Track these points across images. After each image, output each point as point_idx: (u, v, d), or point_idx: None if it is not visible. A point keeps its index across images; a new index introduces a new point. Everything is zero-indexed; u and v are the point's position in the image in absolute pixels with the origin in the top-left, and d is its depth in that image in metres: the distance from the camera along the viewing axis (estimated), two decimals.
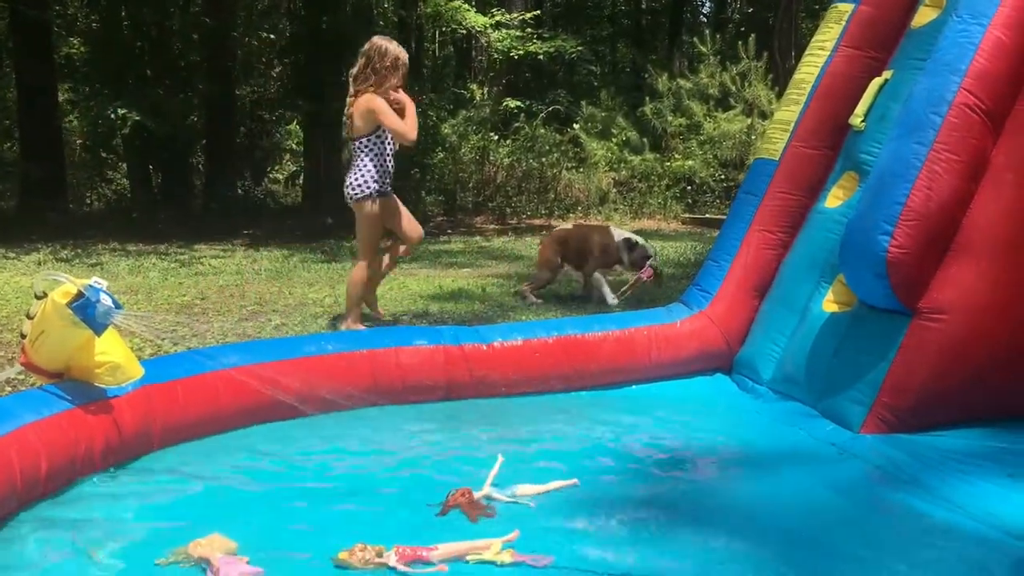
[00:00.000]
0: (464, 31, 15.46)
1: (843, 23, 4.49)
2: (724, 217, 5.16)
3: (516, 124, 15.27)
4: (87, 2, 15.03)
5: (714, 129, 14.27)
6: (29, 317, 3.05)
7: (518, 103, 15.56)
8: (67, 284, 2.90)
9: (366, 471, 3.24)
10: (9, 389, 3.93)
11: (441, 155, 14.23)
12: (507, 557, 2.48)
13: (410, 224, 5.37)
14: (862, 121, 4.18)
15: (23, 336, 3.10)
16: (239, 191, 14.57)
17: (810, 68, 4.60)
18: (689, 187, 14.79)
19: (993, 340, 3.59)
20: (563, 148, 15.26)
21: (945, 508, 2.94)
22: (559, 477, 3.10)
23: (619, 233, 6.34)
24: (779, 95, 12.03)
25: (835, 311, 3.97)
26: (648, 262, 6.12)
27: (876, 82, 4.21)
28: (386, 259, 5.54)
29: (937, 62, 3.65)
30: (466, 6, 14.55)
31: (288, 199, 16.45)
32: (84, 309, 2.88)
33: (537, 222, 13.87)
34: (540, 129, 15.06)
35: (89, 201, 15.41)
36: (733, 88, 14.37)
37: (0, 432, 2.71)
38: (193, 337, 5.12)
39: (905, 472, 3.26)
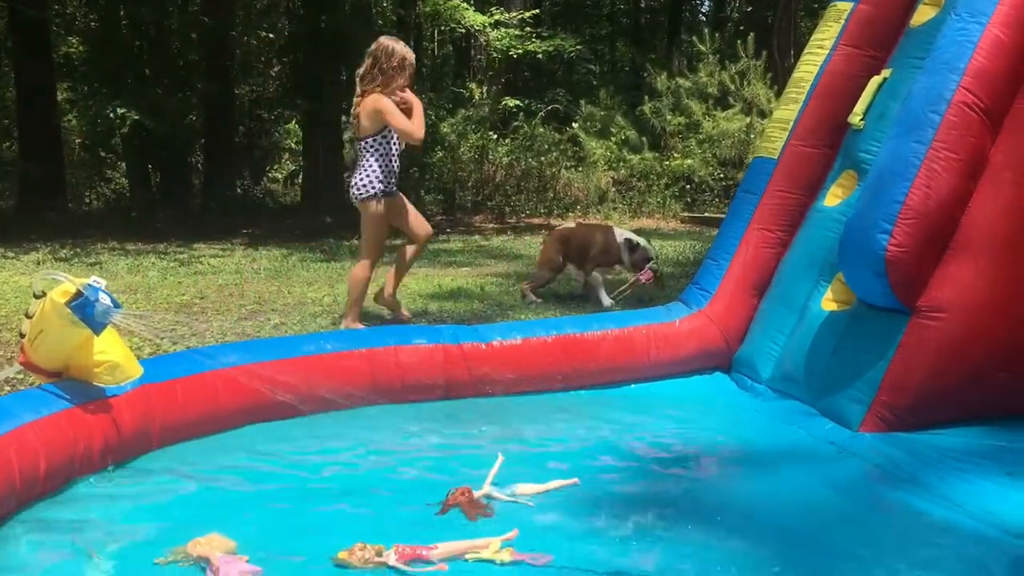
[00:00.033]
0: (463, 30, 15.46)
1: (842, 22, 4.50)
2: (723, 216, 5.16)
3: (515, 123, 15.27)
4: (86, 1, 15.01)
5: (713, 128, 14.27)
6: (28, 316, 3.04)
7: (517, 102, 15.56)
8: (66, 283, 2.90)
9: (365, 470, 3.24)
10: (8, 388, 3.93)
11: (440, 154, 14.23)
12: (506, 556, 2.48)
13: (418, 222, 5.37)
14: (861, 120, 4.18)
15: (22, 335, 3.10)
16: (238, 190, 14.56)
17: (809, 67, 4.60)
18: (688, 186, 14.79)
19: (992, 338, 3.60)
20: (562, 147, 15.26)
21: (944, 506, 2.94)
22: (558, 476, 3.10)
23: (621, 233, 6.33)
24: (778, 94, 12.06)
25: (834, 310, 3.98)
26: (648, 264, 6.11)
27: (875, 80, 4.21)
28: (409, 251, 5.48)
29: (936, 60, 3.65)
30: (465, 5, 14.54)
31: (287, 198, 16.45)
32: (83, 308, 2.88)
33: (536, 221, 13.87)
34: (539, 128, 15.06)
35: (88, 200, 15.41)
36: (732, 87, 14.37)
37: None
38: (192, 336, 5.12)
39: (904, 470, 3.26)
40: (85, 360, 3.07)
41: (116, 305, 2.96)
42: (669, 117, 14.79)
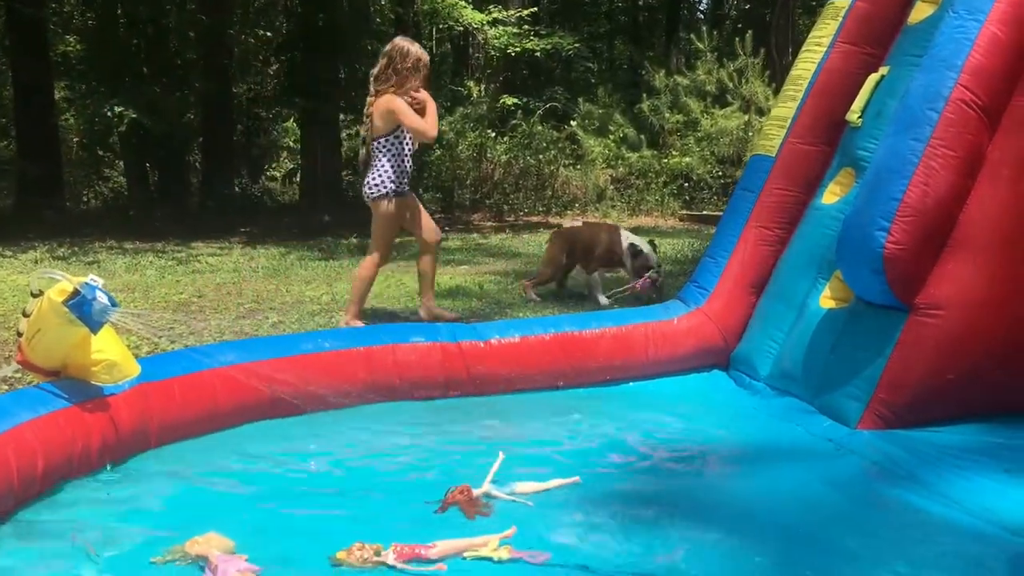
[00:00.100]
0: (461, 28, 15.48)
1: (840, 19, 4.49)
2: (721, 214, 5.15)
3: (513, 121, 15.28)
4: (83, 0, 15.00)
5: (711, 126, 14.28)
6: (25, 315, 3.04)
7: (515, 100, 15.57)
8: (63, 282, 2.89)
9: (363, 469, 3.24)
10: (6, 387, 3.92)
11: (438, 152, 14.23)
12: (504, 553, 2.48)
13: (428, 226, 5.39)
14: (859, 117, 4.18)
15: (19, 334, 3.10)
16: (236, 189, 14.56)
17: (807, 64, 4.60)
18: (686, 184, 14.80)
19: (990, 336, 3.60)
20: (560, 145, 15.27)
21: (942, 504, 2.94)
22: (557, 474, 3.09)
23: (627, 237, 6.28)
24: (776, 91, 12.06)
25: (832, 307, 3.97)
26: (648, 273, 6.09)
27: (873, 78, 4.20)
28: (425, 261, 5.43)
29: (933, 58, 3.65)
30: (463, 3, 14.55)
31: (285, 197, 16.45)
32: (80, 307, 2.87)
33: (534, 219, 13.88)
34: (537, 126, 15.07)
35: (86, 199, 15.41)
36: (730, 84, 14.38)
37: None
38: (190, 335, 5.12)
39: (902, 468, 3.26)
40: (83, 359, 3.07)
41: (113, 304, 2.96)
42: (667, 115, 14.80)
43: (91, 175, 15.98)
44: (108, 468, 3.09)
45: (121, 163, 15.69)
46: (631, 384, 4.39)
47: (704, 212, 13.79)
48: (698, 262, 4.93)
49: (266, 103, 16.66)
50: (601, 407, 4.02)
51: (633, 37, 25.05)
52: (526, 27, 15.77)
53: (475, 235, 11.82)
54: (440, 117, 5.40)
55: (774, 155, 4.57)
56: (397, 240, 5.63)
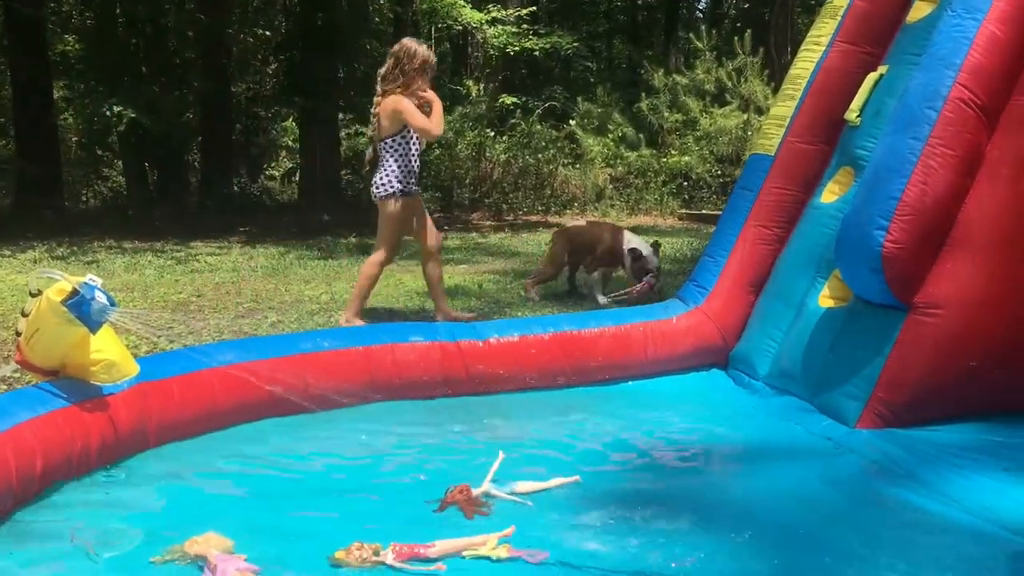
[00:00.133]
0: (460, 27, 15.45)
1: (838, 18, 4.50)
2: (720, 212, 5.16)
3: (512, 120, 15.26)
4: None
5: (710, 125, 14.28)
6: (24, 315, 3.04)
7: (514, 99, 15.56)
8: (62, 282, 2.89)
9: (362, 468, 3.24)
10: (4, 387, 3.92)
11: (437, 152, 14.22)
12: (503, 552, 2.48)
13: (430, 230, 5.41)
14: (857, 116, 4.18)
15: (18, 334, 3.10)
16: (235, 188, 14.55)
17: (806, 63, 4.60)
18: (685, 183, 14.80)
19: (988, 335, 3.60)
20: (559, 144, 15.26)
21: (941, 502, 2.95)
22: (555, 473, 3.09)
23: (630, 240, 6.25)
24: (775, 90, 12.05)
25: (831, 306, 3.98)
26: (646, 277, 6.08)
27: (871, 77, 4.21)
28: (430, 267, 5.44)
29: (932, 57, 3.65)
30: (462, 2, 14.54)
31: (284, 196, 16.44)
32: (79, 307, 2.87)
33: (533, 218, 13.87)
34: (536, 125, 15.06)
35: (85, 199, 15.39)
36: (729, 84, 14.38)
37: None
38: (189, 334, 5.12)
39: (901, 467, 3.27)
40: (81, 358, 3.07)
41: (112, 303, 2.96)
42: (666, 114, 14.79)
43: (90, 174, 15.97)
44: (107, 467, 3.09)
45: (120, 162, 15.68)
46: (630, 383, 4.40)
47: (703, 211, 13.78)
48: (697, 261, 4.93)
49: (265, 102, 16.65)
50: (600, 406, 4.03)
51: (632, 36, 25.05)
52: (525, 26, 15.75)
53: (474, 234, 11.82)
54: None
55: (773, 154, 4.57)
56: None
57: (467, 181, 14.70)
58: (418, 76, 5.09)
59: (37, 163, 12.31)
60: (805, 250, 4.27)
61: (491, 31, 15.01)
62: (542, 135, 14.99)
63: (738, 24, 19.68)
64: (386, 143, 5.15)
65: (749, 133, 13.50)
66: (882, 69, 4.19)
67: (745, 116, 13.97)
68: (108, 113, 12.05)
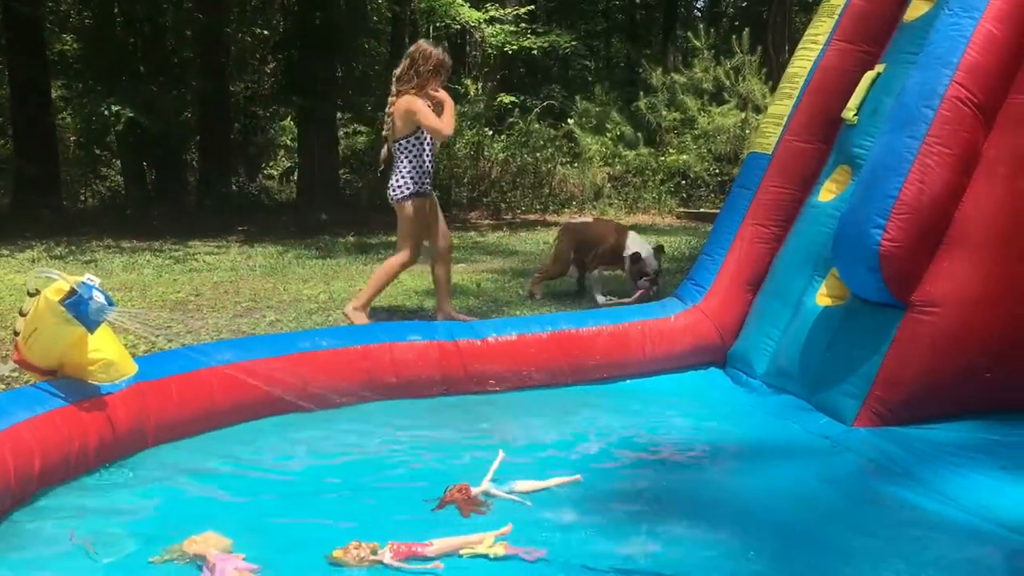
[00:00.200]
0: (458, 26, 15.45)
1: (836, 16, 4.50)
2: (718, 211, 5.16)
3: (510, 119, 15.28)
4: None
5: (708, 123, 14.29)
6: (22, 314, 3.04)
7: (512, 98, 15.57)
8: (60, 281, 2.89)
9: (360, 467, 3.24)
10: (2, 387, 3.92)
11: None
12: (500, 550, 2.48)
13: (442, 232, 5.44)
14: (855, 115, 4.18)
15: (16, 333, 3.10)
16: (233, 187, 14.56)
17: (803, 62, 4.60)
18: (683, 181, 14.81)
19: (986, 333, 3.60)
20: (557, 143, 15.27)
21: (938, 501, 2.95)
22: (553, 472, 3.09)
23: (633, 243, 6.24)
24: (773, 89, 12.04)
25: (828, 305, 3.98)
26: (641, 281, 6.07)
27: (868, 76, 4.21)
28: (439, 269, 5.48)
29: (929, 56, 3.66)
30: (460, 1, 14.53)
31: (282, 195, 16.44)
32: (77, 306, 2.87)
33: (532, 217, 13.88)
34: (534, 124, 15.07)
35: (83, 198, 15.39)
36: (727, 82, 14.39)
37: None
38: (187, 334, 5.11)
39: (898, 465, 3.27)
40: (79, 358, 3.07)
41: (110, 303, 2.96)
42: (664, 113, 14.81)
43: (88, 174, 15.97)
44: (105, 467, 3.09)
45: (118, 162, 15.68)
46: (628, 382, 4.39)
47: (701, 210, 13.80)
48: (695, 260, 4.94)
49: (263, 101, 16.66)
50: (598, 405, 4.03)
51: (630, 35, 25.06)
52: (523, 25, 15.77)
53: (472, 233, 11.82)
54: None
55: (771, 153, 4.57)
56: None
57: (465, 180, 14.71)
58: (432, 77, 5.14)
59: (35, 162, 12.31)
60: (803, 248, 4.27)
61: (489, 30, 15.01)
62: (540, 134, 15.00)
63: (736, 23, 19.70)
64: (400, 144, 5.18)
65: (747, 132, 13.52)
66: (879, 68, 4.19)
67: (743, 115, 13.99)
68: (106, 112, 12.06)
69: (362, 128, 15.85)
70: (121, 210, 13.64)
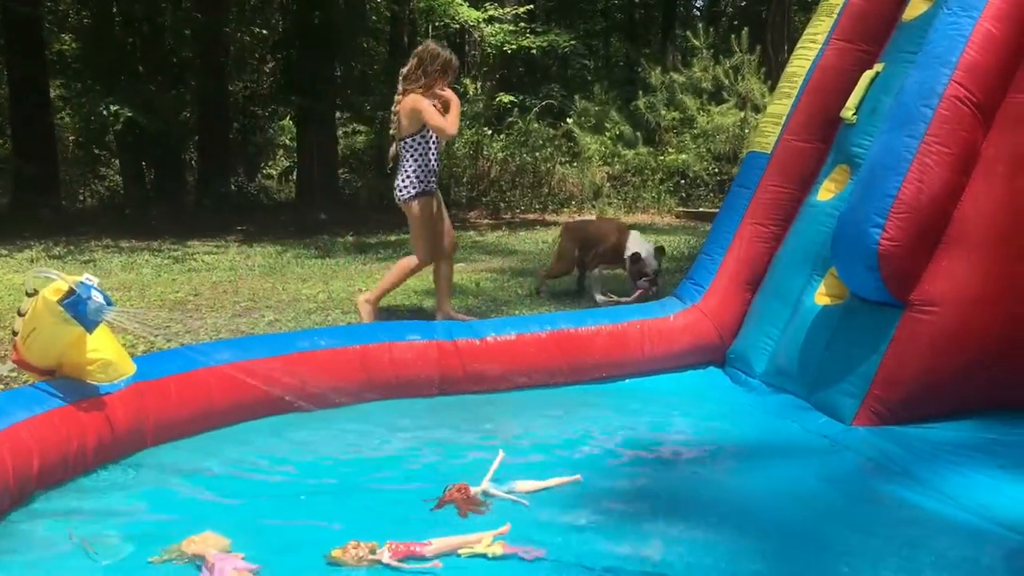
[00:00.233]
0: (457, 26, 15.46)
1: (835, 16, 4.50)
2: (717, 210, 5.16)
3: (510, 119, 15.28)
4: None
5: (707, 123, 14.29)
6: (21, 314, 3.04)
7: (511, 98, 15.57)
8: (58, 281, 2.89)
9: (359, 467, 3.24)
10: (1, 387, 3.92)
11: None
12: (498, 549, 2.48)
13: (446, 232, 5.45)
14: (853, 114, 4.19)
15: (14, 333, 3.10)
16: (232, 187, 14.56)
17: (802, 61, 4.60)
18: (683, 181, 14.81)
19: (984, 333, 3.60)
20: (557, 143, 15.27)
21: (937, 499, 2.95)
22: (553, 471, 3.09)
23: (635, 243, 6.22)
24: (772, 88, 12.05)
25: (827, 304, 3.98)
26: (640, 281, 6.08)
27: (867, 75, 4.21)
28: (442, 268, 5.49)
29: (928, 55, 3.66)
30: (459, 0, 14.53)
31: (281, 195, 16.45)
32: (75, 306, 2.87)
33: (531, 216, 13.88)
34: (534, 124, 15.08)
35: (82, 198, 15.40)
36: (726, 82, 14.39)
37: None
38: (186, 333, 5.11)
39: (897, 464, 3.27)
40: (78, 358, 3.07)
41: (109, 303, 2.96)
42: (663, 112, 14.81)
43: (87, 174, 15.97)
44: (104, 467, 3.09)
45: (117, 161, 15.69)
46: (627, 381, 4.39)
47: (700, 209, 13.80)
48: (694, 259, 4.94)
49: (262, 101, 16.65)
50: (597, 404, 4.03)
51: (629, 34, 25.05)
52: (522, 24, 15.76)
53: (471, 233, 11.81)
54: None
55: (769, 152, 4.57)
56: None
57: (464, 179, 14.71)
58: (439, 78, 5.16)
59: (34, 162, 12.31)
60: (801, 248, 4.28)
61: (488, 29, 15.01)
62: (539, 133, 15.00)
63: (735, 22, 19.70)
64: (406, 143, 5.19)
65: (746, 131, 13.52)
66: (878, 67, 4.19)
67: (742, 114, 13.99)
68: (105, 112, 12.06)
69: (361, 128, 15.86)
70: (120, 210, 13.64)
